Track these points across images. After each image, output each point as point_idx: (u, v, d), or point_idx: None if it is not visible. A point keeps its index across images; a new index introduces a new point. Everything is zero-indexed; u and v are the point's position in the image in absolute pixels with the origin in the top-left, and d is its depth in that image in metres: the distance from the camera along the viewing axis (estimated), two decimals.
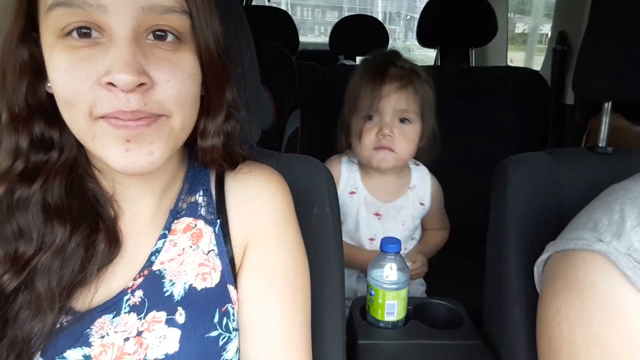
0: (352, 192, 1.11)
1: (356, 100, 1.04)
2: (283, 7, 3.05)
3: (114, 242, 0.53)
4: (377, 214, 1.11)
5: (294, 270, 0.60)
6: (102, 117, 0.45)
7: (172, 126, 0.48)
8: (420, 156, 1.10)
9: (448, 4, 1.96)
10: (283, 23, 2.04)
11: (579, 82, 0.90)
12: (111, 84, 0.43)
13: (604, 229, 0.53)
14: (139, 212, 0.57)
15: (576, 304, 0.53)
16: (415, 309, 0.89)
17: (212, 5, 0.51)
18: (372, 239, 1.11)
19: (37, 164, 0.50)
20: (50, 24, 0.44)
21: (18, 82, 0.48)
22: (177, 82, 0.47)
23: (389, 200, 1.11)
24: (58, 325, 0.50)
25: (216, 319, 0.55)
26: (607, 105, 0.89)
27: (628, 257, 0.49)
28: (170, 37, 0.47)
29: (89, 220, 0.53)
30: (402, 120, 1.03)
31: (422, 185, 1.14)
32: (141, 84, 0.44)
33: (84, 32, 0.44)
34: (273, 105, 1.51)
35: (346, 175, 1.11)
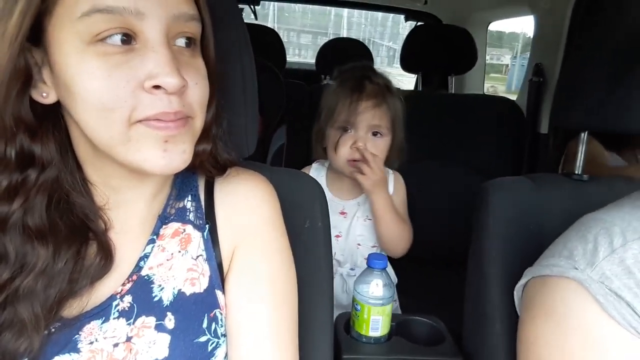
0: None
1: (333, 111, 1.11)
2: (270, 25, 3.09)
3: (108, 256, 0.53)
4: (342, 213, 1.17)
5: (280, 275, 0.61)
6: (139, 121, 0.46)
7: (196, 127, 0.51)
8: (387, 163, 1.17)
9: (431, 32, 2.03)
10: (271, 41, 2.07)
11: (557, 113, 0.95)
12: (157, 87, 0.45)
13: (578, 257, 0.55)
14: (128, 218, 0.57)
15: (553, 329, 0.55)
16: (398, 326, 0.90)
17: (212, 14, 0.54)
18: (338, 236, 1.16)
19: (16, 181, 0.49)
20: (82, 29, 0.44)
21: (9, 90, 0.46)
22: (202, 85, 0.50)
23: (351, 198, 1.18)
24: (46, 332, 0.49)
25: (205, 324, 0.55)
26: (584, 135, 0.94)
27: (600, 284, 0.52)
28: (191, 44, 0.50)
29: (78, 237, 0.52)
30: (374, 134, 1.10)
31: None
32: (182, 86, 0.46)
33: (125, 39, 0.45)
34: (260, 120, 1.52)
35: None
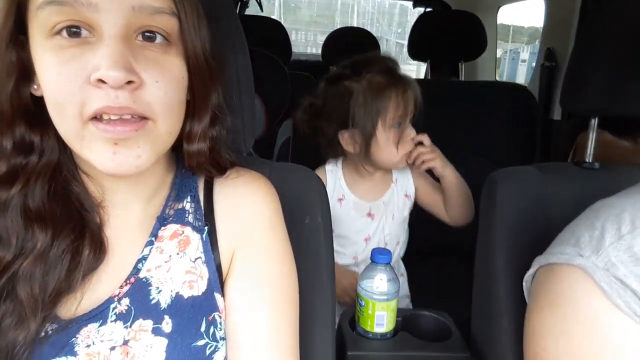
0: (340, 199, 1.13)
1: (385, 109, 1.01)
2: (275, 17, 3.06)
3: (99, 248, 0.53)
4: (369, 215, 1.13)
5: (281, 277, 0.59)
6: (91, 120, 0.45)
7: (158, 131, 0.48)
8: None
9: (439, 18, 1.99)
10: (276, 33, 2.05)
11: (567, 99, 0.92)
12: (101, 81, 0.43)
13: (584, 244, 0.54)
14: (125, 219, 0.56)
15: (558, 318, 0.54)
16: (404, 321, 0.89)
17: (200, 10, 0.51)
18: (367, 239, 1.13)
19: (16, 166, 0.50)
20: (40, 23, 0.44)
21: (4, 84, 0.48)
22: (164, 85, 0.47)
23: (377, 198, 1.14)
24: (43, 334, 0.49)
25: (203, 328, 0.54)
26: (594, 121, 0.91)
27: (605, 271, 0.51)
28: (159, 39, 0.48)
29: (73, 226, 0.52)
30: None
31: (403, 179, 1.17)
32: (130, 82, 0.44)
33: (74, 31, 0.44)
34: (265, 114, 1.51)
35: (332, 183, 1.13)
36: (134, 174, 0.48)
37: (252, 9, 2.82)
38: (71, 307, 0.51)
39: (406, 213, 1.17)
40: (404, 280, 1.22)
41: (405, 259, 1.25)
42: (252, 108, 0.73)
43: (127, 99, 0.44)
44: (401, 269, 1.23)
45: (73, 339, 0.50)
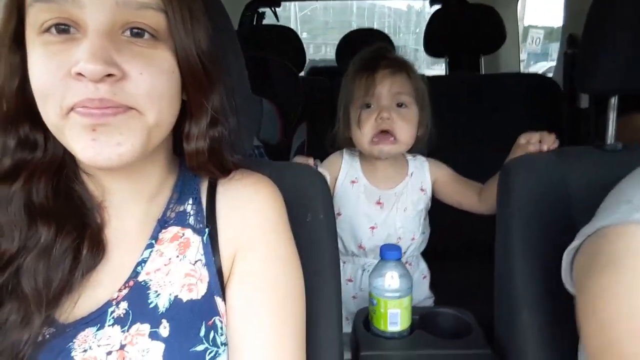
0: (353, 181, 1.12)
1: (352, 91, 1.06)
2: (292, 26, 3.09)
3: (97, 247, 0.53)
4: (378, 203, 1.11)
5: (285, 281, 0.57)
6: (72, 110, 0.45)
7: (145, 122, 0.48)
8: (415, 148, 1.12)
9: (455, 13, 1.95)
10: (291, 41, 2.06)
11: (583, 79, 0.88)
12: (80, 74, 0.44)
13: (638, 202, 0.52)
14: (125, 221, 0.56)
15: (618, 277, 0.50)
16: (422, 319, 0.86)
17: (192, 7, 0.51)
18: (373, 227, 1.11)
19: (19, 162, 0.51)
20: (31, 20, 0.46)
21: (8, 84, 0.49)
22: (150, 76, 0.47)
23: (389, 188, 1.12)
24: (40, 338, 0.49)
25: (202, 333, 0.53)
26: (614, 100, 0.86)
27: None
28: (147, 35, 0.48)
29: (75, 224, 0.52)
30: (399, 105, 1.05)
31: (420, 173, 1.14)
32: (110, 75, 0.44)
33: (62, 28, 0.45)
34: (280, 120, 1.51)
35: (347, 166, 1.14)
36: (116, 165, 0.47)
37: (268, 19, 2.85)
38: (70, 311, 0.51)
39: (421, 207, 1.13)
40: (426, 282, 1.18)
41: (429, 259, 1.22)
42: (249, 109, 0.72)
43: (107, 91, 0.44)
44: (424, 270, 1.19)
45: (70, 344, 0.50)
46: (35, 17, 0.45)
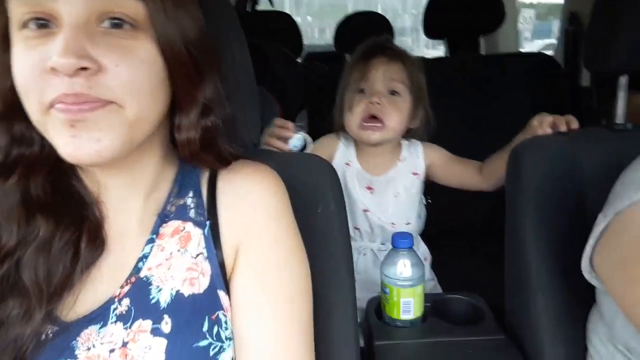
0: (347, 164, 1.14)
1: (348, 77, 1.09)
2: (287, 11, 3.04)
3: (95, 242, 0.52)
4: (369, 188, 1.13)
5: (289, 271, 0.56)
6: (52, 106, 0.44)
7: (125, 115, 0.46)
8: (412, 134, 1.13)
9: None
10: (287, 26, 2.03)
11: (592, 59, 0.86)
12: (54, 68, 0.42)
13: None
14: (125, 216, 0.55)
15: None
16: (434, 306, 0.85)
17: None
18: (366, 210, 1.12)
19: (16, 157, 0.50)
20: (13, 16, 0.45)
21: (2, 81, 0.48)
22: (127, 67, 0.45)
23: (380, 174, 1.13)
24: (44, 337, 0.48)
25: (205, 327, 0.52)
26: (624, 79, 0.85)
27: None
28: (126, 26, 0.46)
29: (74, 219, 0.52)
30: (392, 93, 1.06)
31: (412, 156, 1.15)
32: (84, 69, 0.43)
33: (41, 23, 0.44)
34: (279, 107, 1.49)
35: (343, 149, 1.15)
36: (96, 161, 0.46)
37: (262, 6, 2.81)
38: (72, 308, 0.51)
39: (414, 191, 1.14)
40: (427, 264, 1.18)
41: (430, 240, 1.21)
42: (253, 100, 0.70)
43: (82, 85, 0.43)
44: (424, 252, 1.19)
45: (73, 342, 0.49)
46: (15, 12, 0.45)
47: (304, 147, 0.84)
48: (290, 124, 0.88)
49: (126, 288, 0.52)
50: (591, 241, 0.60)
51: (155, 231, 0.55)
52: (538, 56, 1.77)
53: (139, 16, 0.46)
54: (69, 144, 0.45)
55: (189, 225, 0.56)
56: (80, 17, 0.43)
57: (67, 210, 0.52)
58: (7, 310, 0.48)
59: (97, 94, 0.44)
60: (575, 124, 0.87)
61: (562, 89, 1.65)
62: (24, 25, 0.45)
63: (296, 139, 0.83)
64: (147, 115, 0.49)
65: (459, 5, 1.84)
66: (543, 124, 0.89)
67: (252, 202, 0.57)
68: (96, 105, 0.44)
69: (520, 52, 2.18)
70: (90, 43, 0.43)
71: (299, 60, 2.30)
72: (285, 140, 0.85)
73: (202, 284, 0.53)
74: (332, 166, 0.72)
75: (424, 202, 1.20)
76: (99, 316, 0.51)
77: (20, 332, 0.47)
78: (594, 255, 0.60)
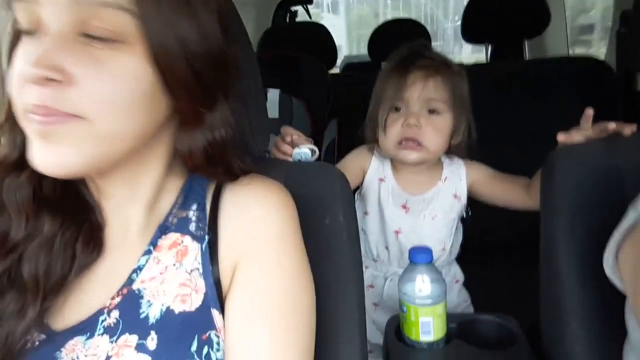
0: (381, 179, 1.05)
1: (381, 92, 1.00)
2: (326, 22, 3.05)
3: (90, 245, 0.51)
4: (403, 207, 1.04)
5: (290, 295, 0.52)
6: (28, 115, 0.44)
7: (94, 132, 0.44)
8: (453, 151, 1.03)
9: None
10: (322, 38, 2.02)
11: (636, 55, 0.78)
12: (24, 77, 0.42)
13: None
14: (125, 225, 0.54)
15: None
16: (460, 327, 0.79)
17: (176, 4, 0.45)
18: (397, 232, 1.04)
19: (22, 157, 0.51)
20: (17, 23, 0.46)
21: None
22: (99, 81, 0.43)
23: (417, 193, 1.04)
24: (29, 345, 0.48)
25: (194, 347, 0.48)
26: None
27: None
28: (106, 37, 0.43)
29: (76, 219, 0.52)
30: (431, 112, 0.97)
31: (454, 177, 1.05)
32: (52, 80, 0.41)
33: (31, 31, 0.44)
34: (309, 117, 1.47)
35: (377, 163, 1.07)
36: (61, 175, 0.45)
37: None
38: (62, 316, 0.50)
39: (454, 215, 1.05)
40: (459, 286, 1.10)
41: (463, 260, 1.13)
42: (260, 108, 0.68)
43: (48, 96, 0.42)
44: (456, 274, 1.11)
45: (57, 352, 0.48)
46: (17, 17, 0.45)
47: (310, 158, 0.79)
48: (294, 135, 0.80)
49: (117, 299, 0.51)
50: (617, 235, 0.53)
51: (154, 243, 0.54)
52: (587, 60, 1.65)
53: (123, 28, 0.44)
54: (37, 154, 0.45)
55: (187, 239, 0.54)
56: (60, 26, 0.43)
57: (72, 210, 0.52)
58: (4, 306, 0.48)
59: (63, 108, 0.42)
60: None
61: (615, 95, 1.53)
62: (23, 31, 0.45)
63: (297, 154, 0.77)
64: (123, 131, 0.46)
65: (500, 7, 1.76)
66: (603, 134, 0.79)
67: (254, 216, 0.54)
68: (62, 119, 0.43)
69: (568, 56, 2.05)
70: (64, 53, 0.42)
71: (337, 70, 2.28)
72: (284, 152, 0.80)
73: (194, 302, 0.51)
74: (344, 175, 0.68)
75: (465, 215, 1.10)
76: (87, 327, 0.49)
77: (12, 329, 0.47)
78: (619, 251, 0.53)
